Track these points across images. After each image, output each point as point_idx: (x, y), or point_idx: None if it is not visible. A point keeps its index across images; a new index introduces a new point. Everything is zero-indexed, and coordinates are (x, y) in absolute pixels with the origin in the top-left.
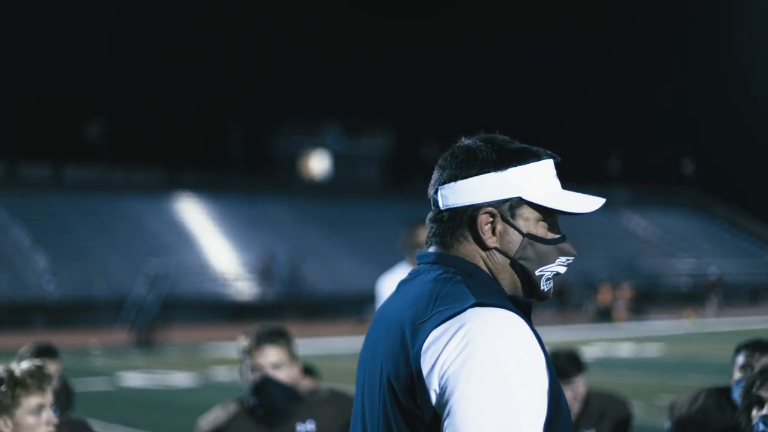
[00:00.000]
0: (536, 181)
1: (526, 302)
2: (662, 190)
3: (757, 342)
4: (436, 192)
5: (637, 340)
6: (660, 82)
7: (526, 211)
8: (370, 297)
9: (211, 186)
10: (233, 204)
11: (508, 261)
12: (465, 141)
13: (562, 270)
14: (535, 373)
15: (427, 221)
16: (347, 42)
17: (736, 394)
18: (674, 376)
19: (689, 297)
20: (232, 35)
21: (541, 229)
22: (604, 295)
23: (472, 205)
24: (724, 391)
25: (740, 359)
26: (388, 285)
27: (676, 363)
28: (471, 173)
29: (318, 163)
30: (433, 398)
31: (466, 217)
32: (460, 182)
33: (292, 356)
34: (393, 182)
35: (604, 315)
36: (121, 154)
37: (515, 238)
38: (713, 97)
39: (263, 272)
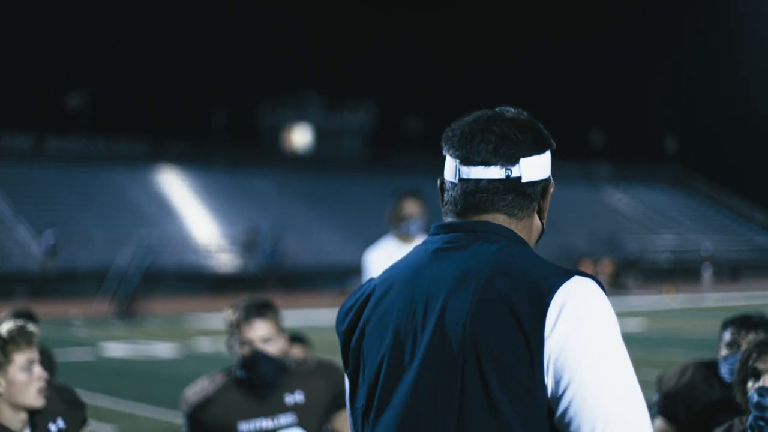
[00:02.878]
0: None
1: None
2: (644, 167)
3: (743, 318)
4: (508, 161)
5: (619, 315)
6: (643, 58)
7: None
8: (351, 270)
9: (193, 158)
10: (216, 176)
11: (541, 230)
12: (510, 111)
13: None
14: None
15: (482, 188)
16: (331, 15)
17: (724, 370)
18: (656, 351)
19: (670, 273)
20: (216, 7)
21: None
22: (585, 270)
23: (545, 179)
24: (711, 366)
25: (727, 336)
26: (375, 257)
27: (658, 338)
28: (544, 149)
29: (301, 136)
30: (548, 366)
31: (538, 189)
32: (538, 157)
33: (280, 328)
34: (375, 156)
35: None
36: (104, 126)
37: (545, 212)
38: (697, 74)
39: (247, 245)
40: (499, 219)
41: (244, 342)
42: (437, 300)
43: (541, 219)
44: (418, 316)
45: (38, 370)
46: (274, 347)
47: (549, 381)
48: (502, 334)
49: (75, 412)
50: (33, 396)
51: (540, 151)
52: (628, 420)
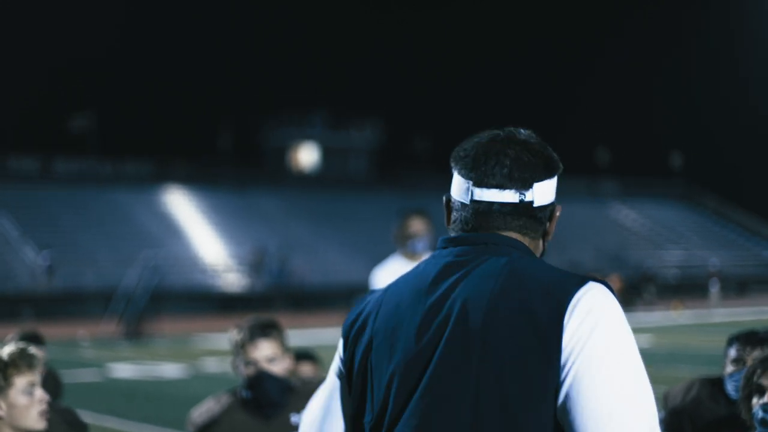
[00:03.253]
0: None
1: None
2: (651, 182)
3: (749, 334)
4: (526, 187)
5: None
6: (649, 74)
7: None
8: (359, 289)
9: (200, 178)
10: (222, 196)
11: (543, 250)
12: (525, 133)
13: None
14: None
15: (495, 210)
16: (337, 34)
17: (730, 387)
18: (663, 367)
19: (677, 289)
20: (221, 28)
21: None
22: None
23: (553, 203)
24: (717, 382)
25: (732, 352)
26: (381, 277)
27: (666, 354)
28: (554, 174)
29: (307, 156)
30: (563, 363)
31: (547, 213)
32: (548, 181)
33: (285, 348)
34: (382, 174)
35: None
36: (110, 147)
37: (549, 236)
38: (703, 88)
39: (255, 265)
40: (512, 236)
41: (248, 362)
42: (451, 312)
43: (544, 241)
44: (431, 329)
45: (39, 393)
46: (279, 367)
47: (565, 383)
48: (519, 339)
49: None
50: (34, 419)
51: (550, 175)
52: (633, 421)
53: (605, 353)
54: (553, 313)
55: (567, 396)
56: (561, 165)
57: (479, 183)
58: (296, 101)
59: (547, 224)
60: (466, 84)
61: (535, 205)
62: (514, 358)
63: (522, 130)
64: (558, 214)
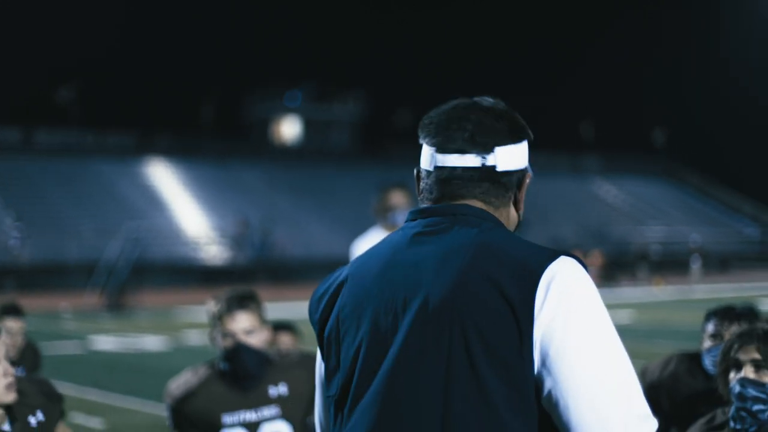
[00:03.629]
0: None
1: None
2: (633, 158)
3: (726, 309)
4: (483, 149)
5: (608, 306)
6: (634, 50)
7: (527, 178)
8: (340, 261)
9: (182, 150)
10: (204, 169)
11: (518, 219)
12: (491, 101)
13: None
14: None
15: (457, 176)
16: (319, 6)
17: (708, 362)
18: (644, 343)
19: (659, 265)
20: (204, 1)
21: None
22: None
23: (522, 170)
24: (695, 357)
25: (710, 327)
26: (362, 248)
27: (647, 330)
28: (521, 139)
29: (289, 128)
30: (536, 339)
31: (514, 179)
32: (515, 146)
33: (263, 320)
34: (364, 148)
35: None
36: (93, 119)
37: (522, 202)
38: (686, 65)
39: (237, 237)
40: (476, 205)
41: (226, 334)
42: (420, 283)
43: (517, 210)
44: (398, 300)
45: (4, 366)
46: (257, 339)
47: (536, 358)
48: (490, 313)
49: (53, 405)
50: (1, 392)
51: (516, 140)
52: (616, 397)
53: (580, 330)
54: (524, 288)
55: (544, 374)
56: (530, 133)
57: (441, 149)
58: (279, 74)
59: (516, 191)
60: (449, 56)
61: (498, 169)
62: (485, 334)
63: (488, 98)
64: (528, 181)
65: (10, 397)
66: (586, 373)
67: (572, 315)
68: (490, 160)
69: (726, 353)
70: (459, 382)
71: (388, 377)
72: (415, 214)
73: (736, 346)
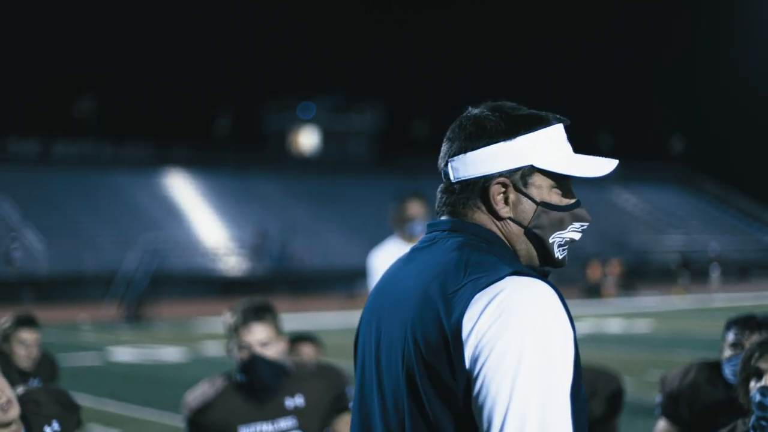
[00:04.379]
0: (546, 147)
1: (543, 272)
2: (652, 167)
3: (747, 318)
4: (446, 164)
5: (626, 315)
6: (651, 58)
7: (539, 179)
8: (359, 272)
9: (200, 161)
10: (222, 179)
11: (523, 230)
12: (472, 111)
13: (577, 236)
14: (568, 345)
15: (437, 192)
16: (338, 17)
17: (728, 371)
18: (664, 352)
19: (678, 273)
20: (223, 10)
21: (554, 196)
22: (594, 271)
23: (484, 177)
24: (715, 366)
25: (730, 337)
26: (379, 259)
27: (666, 338)
28: (480, 144)
29: (307, 139)
30: (468, 367)
31: (478, 188)
32: (470, 153)
33: (279, 331)
34: (382, 158)
35: (594, 291)
36: (111, 130)
37: (529, 207)
38: (703, 73)
39: (255, 248)
40: (452, 218)
41: (242, 346)
42: (397, 303)
43: (497, 217)
44: (383, 319)
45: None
46: (273, 350)
47: (472, 382)
48: (431, 334)
49: (70, 415)
50: None
51: (477, 144)
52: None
53: (508, 360)
54: (458, 309)
55: (478, 400)
56: (494, 130)
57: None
58: (297, 84)
59: (478, 199)
60: (466, 67)
61: (453, 180)
62: (426, 355)
63: (505, 103)
64: (494, 187)
65: (6, 417)
66: (506, 403)
67: (507, 339)
68: (450, 171)
69: (746, 362)
70: (411, 412)
71: (366, 394)
72: (428, 227)
73: (756, 354)
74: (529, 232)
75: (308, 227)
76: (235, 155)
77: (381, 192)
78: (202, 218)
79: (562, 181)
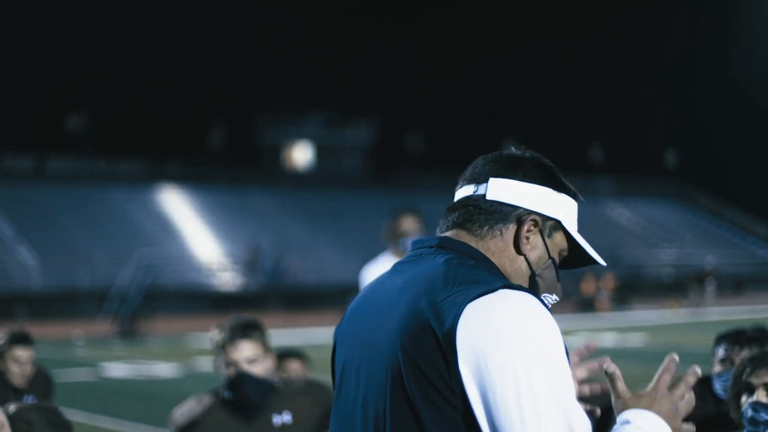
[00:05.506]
0: (573, 215)
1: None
2: (646, 180)
3: (737, 333)
4: (480, 181)
5: (620, 329)
6: (644, 72)
7: (559, 237)
8: (353, 288)
9: (194, 177)
10: (216, 195)
11: (530, 273)
12: (514, 150)
13: (548, 305)
14: (562, 359)
15: (446, 210)
16: (330, 32)
17: (718, 386)
18: (657, 366)
19: (672, 287)
20: (216, 26)
21: (559, 259)
22: (587, 285)
23: (523, 208)
24: (706, 381)
25: (720, 352)
26: (372, 274)
27: (660, 353)
28: (525, 179)
29: (301, 154)
30: (463, 376)
31: (513, 215)
32: (514, 182)
33: (266, 348)
34: (376, 173)
35: (587, 305)
36: (105, 146)
37: (543, 255)
38: (698, 87)
39: (249, 263)
40: (462, 235)
41: (229, 363)
42: (381, 314)
43: (519, 250)
44: (362, 330)
45: None
46: (260, 368)
47: (468, 393)
48: (422, 343)
49: None
50: None
51: (515, 176)
52: None
53: (500, 372)
54: (450, 322)
55: (473, 411)
56: (542, 175)
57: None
58: (291, 100)
59: (506, 226)
60: (461, 83)
61: (488, 197)
62: (419, 367)
63: (522, 149)
64: (530, 222)
65: None
66: (504, 418)
67: (502, 350)
68: (481, 189)
69: (738, 377)
70: (397, 418)
71: (347, 408)
72: (412, 245)
73: (748, 369)
74: (533, 277)
75: (302, 242)
76: (229, 171)
77: (375, 207)
78: (196, 234)
79: (567, 251)
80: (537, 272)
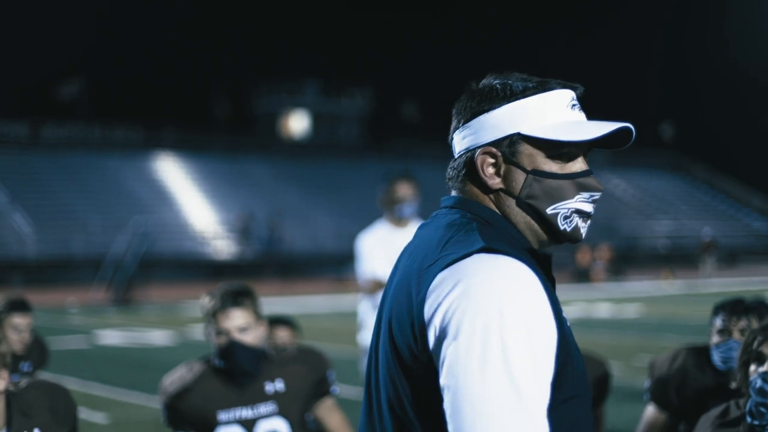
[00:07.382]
0: (538, 113)
1: (544, 255)
2: (642, 152)
3: (734, 303)
4: (451, 140)
5: (616, 300)
6: (641, 44)
7: (528, 147)
8: (348, 256)
9: (190, 145)
10: (212, 163)
11: (514, 201)
12: (478, 82)
13: (586, 207)
14: (539, 326)
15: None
16: (327, 1)
17: (716, 357)
18: (653, 337)
19: (667, 258)
20: None
21: (552, 165)
22: (583, 256)
23: (470, 149)
24: (703, 352)
25: (718, 322)
26: (368, 242)
27: (655, 324)
28: (472, 115)
29: (297, 123)
30: (432, 348)
31: (466, 161)
32: (463, 126)
33: (258, 316)
34: (372, 142)
35: (583, 276)
36: (100, 113)
37: (519, 177)
38: (694, 59)
39: (241, 231)
40: (454, 194)
41: (220, 331)
42: (392, 284)
43: (485, 191)
44: (385, 302)
45: None
46: (252, 336)
47: (436, 365)
48: (402, 313)
49: (57, 427)
50: None
51: (469, 118)
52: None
53: (463, 347)
54: (422, 287)
55: (440, 380)
56: (498, 98)
57: None
58: (287, 68)
59: (469, 174)
60: (457, 52)
61: (455, 155)
62: (397, 336)
63: (489, 76)
64: (480, 158)
65: None
66: (463, 399)
67: (467, 319)
68: (454, 147)
69: (748, 346)
70: (388, 387)
71: (374, 380)
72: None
73: (759, 338)
74: (521, 203)
75: (298, 211)
76: (225, 139)
77: (371, 175)
78: (192, 201)
79: (561, 150)
80: (521, 196)
